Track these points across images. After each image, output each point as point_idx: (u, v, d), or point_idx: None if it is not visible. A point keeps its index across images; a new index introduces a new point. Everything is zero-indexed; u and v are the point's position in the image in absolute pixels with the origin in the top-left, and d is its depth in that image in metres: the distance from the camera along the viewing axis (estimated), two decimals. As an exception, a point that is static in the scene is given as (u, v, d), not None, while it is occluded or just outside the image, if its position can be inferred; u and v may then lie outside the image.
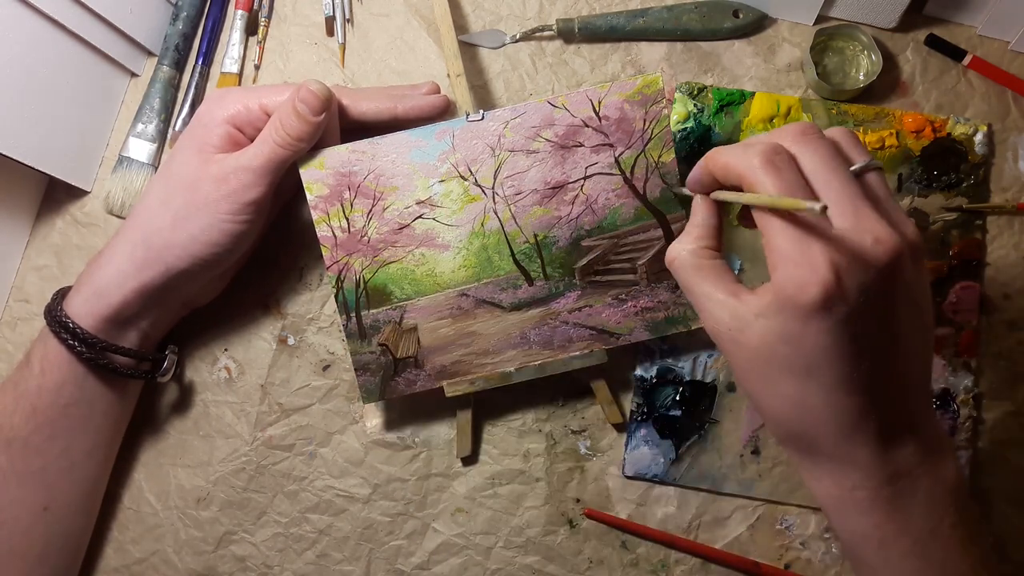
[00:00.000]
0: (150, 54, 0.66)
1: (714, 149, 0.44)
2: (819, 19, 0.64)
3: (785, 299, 0.38)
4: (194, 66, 0.65)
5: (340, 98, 0.56)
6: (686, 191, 0.48)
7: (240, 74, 0.65)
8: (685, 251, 0.44)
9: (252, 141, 0.55)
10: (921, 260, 0.41)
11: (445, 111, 0.58)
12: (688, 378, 0.61)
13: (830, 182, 0.39)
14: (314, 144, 0.54)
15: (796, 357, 0.39)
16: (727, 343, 0.42)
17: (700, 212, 0.46)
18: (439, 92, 0.59)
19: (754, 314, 0.40)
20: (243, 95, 0.55)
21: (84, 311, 0.54)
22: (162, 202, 0.54)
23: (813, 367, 0.39)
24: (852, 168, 0.41)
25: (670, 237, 0.56)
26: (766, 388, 0.42)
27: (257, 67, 0.66)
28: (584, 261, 0.57)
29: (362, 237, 0.56)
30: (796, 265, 0.38)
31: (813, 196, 0.39)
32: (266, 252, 0.63)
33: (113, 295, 0.54)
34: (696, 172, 0.46)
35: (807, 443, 0.42)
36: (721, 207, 0.46)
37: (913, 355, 0.41)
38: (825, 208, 0.34)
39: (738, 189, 0.42)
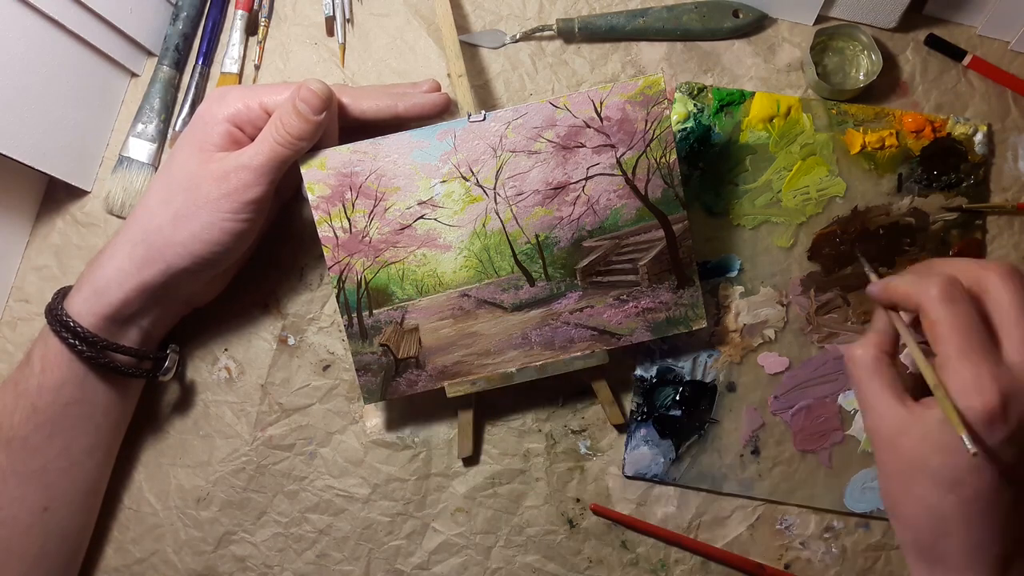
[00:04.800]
0: (150, 54, 0.66)
1: (896, 278, 0.47)
2: (819, 19, 0.64)
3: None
4: (194, 66, 0.65)
5: (340, 97, 0.56)
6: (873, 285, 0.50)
7: (240, 74, 0.65)
8: (866, 354, 0.47)
9: (252, 140, 0.55)
10: None
11: (446, 109, 0.58)
12: (688, 378, 0.61)
13: (1018, 322, 0.42)
14: (314, 144, 0.54)
15: (945, 469, 0.42)
16: (883, 444, 0.45)
17: (880, 321, 0.48)
18: (440, 90, 0.59)
19: (917, 422, 0.43)
20: (243, 94, 0.55)
21: (85, 310, 0.54)
22: (163, 200, 0.54)
23: (958, 481, 0.42)
24: None
25: (671, 238, 0.56)
26: (909, 493, 0.45)
27: (257, 67, 0.65)
28: (585, 262, 0.57)
29: (364, 238, 0.56)
30: (966, 385, 0.41)
31: (993, 336, 0.43)
32: (266, 252, 0.63)
33: (114, 293, 0.54)
34: (879, 289, 0.48)
35: (931, 552, 0.45)
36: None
37: None
38: (976, 454, 0.38)
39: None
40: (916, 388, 0.46)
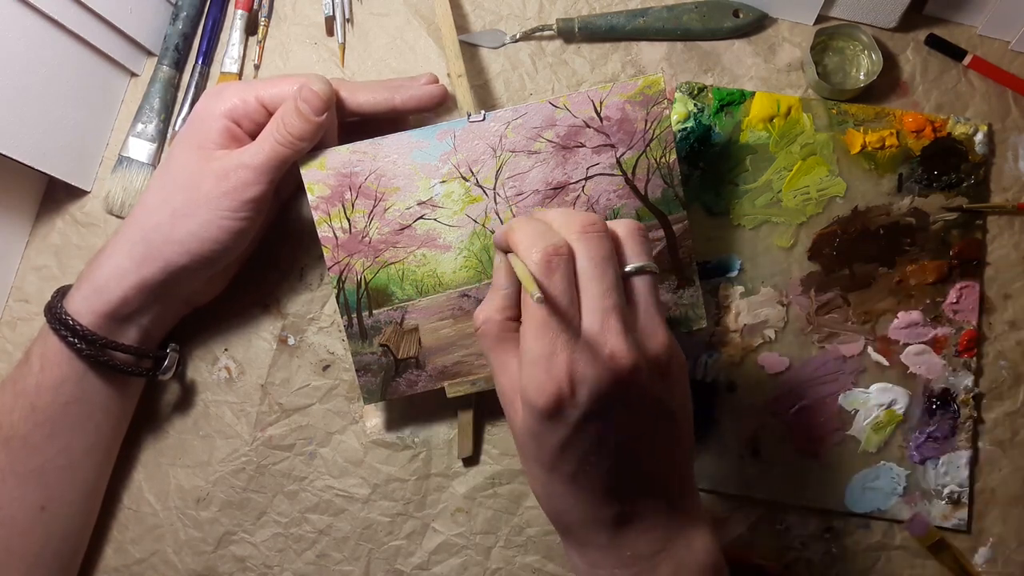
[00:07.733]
0: (150, 54, 0.66)
1: (514, 222, 0.44)
2: (819, 19, 0.64)
3: (526, 400, 0.41)
4: (194, 66, 0.65)
5: (337, 90, 0.56)
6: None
7: (240, 74, 0.65)
8: (491, 320, 0.45)
9: (250, 135, 0.55)
10: (669, 372, 0.43)
11: (443, 101, 0.58)
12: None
13: (589, 287, 0.41)
14: (315, 143, 0.54)
15: (540, 452, 0.42)
16: (508, 415, 0.45)
17: (501, 275, 0.46)
18: (437, 83, 0.59)
19: (520, 402, 0.42)
20: (240, 89, 0.55)
21: (84, 308, 0.54)
22: (162, 199, 0.54)
23: (553, 462, 0.42)
24: (624, 270, 0.42)
25: (672, 238, 0.56)
26: (527, 469, 0.45)
27: (257, 67, 0.65)
28: (585, 261, 0.57)
29: (363, 238, 0.56)
30: (538, 368, 0.40)
31: (577, 301, 0.41)
32: (266, 252, 0.63)
33: (113, 292, 0.54)
34: (499, 235, 0.45)
35: (557, 522, 0.46)
36: None
37: (658, 456, 0.44)
38: (541, 299, 0.37)
39: None
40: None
